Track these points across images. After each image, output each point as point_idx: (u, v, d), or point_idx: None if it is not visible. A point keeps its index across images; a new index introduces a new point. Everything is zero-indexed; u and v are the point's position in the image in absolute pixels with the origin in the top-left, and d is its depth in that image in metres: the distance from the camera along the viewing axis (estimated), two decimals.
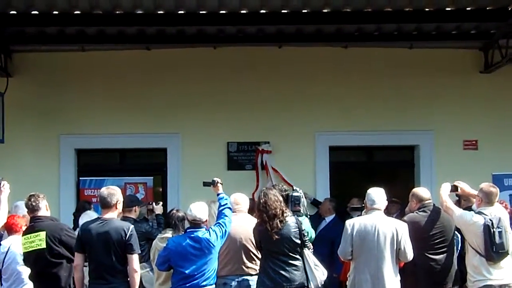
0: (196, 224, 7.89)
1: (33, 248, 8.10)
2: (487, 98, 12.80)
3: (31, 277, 8.25)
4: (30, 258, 8.16)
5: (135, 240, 7.61)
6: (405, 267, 8.11)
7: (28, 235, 8.18)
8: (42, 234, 8.09)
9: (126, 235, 7.52)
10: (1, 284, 8.62)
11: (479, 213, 8.25)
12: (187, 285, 7.76)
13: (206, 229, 7.91)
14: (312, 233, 8.47)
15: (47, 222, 8.25)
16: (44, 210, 8.33)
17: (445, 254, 8.36)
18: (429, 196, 8.62)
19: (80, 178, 12.80)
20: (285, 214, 7.87)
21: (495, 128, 12.74)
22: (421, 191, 8.75)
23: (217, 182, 8.42)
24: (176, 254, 7.83)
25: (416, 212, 8.48)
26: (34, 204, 8.28)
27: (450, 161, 12.64)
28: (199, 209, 7.92)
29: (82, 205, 11.14)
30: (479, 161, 12.61)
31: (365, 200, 8.23)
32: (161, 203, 10.70)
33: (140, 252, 7.79)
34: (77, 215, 10.79)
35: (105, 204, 7.72)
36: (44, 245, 8.06)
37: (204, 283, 7.81)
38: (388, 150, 13.47)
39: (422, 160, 12.97)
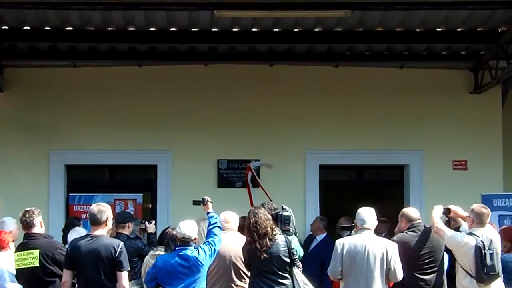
0: (185, 242, 7.85)
1: (26, 266, 8.03)
2: (477, 118, 12.85)
3: None
4: (23, 275, 8.10)
5: (125, 257, 7.57)
6: (396, 286, 8.10)
7: (21, 252, 8.11)
8: (36, 252, 8.02)
9: (116, 252, 7.47)
10: None
11: (471, 234, 8.21)
12: None
13: (195, 248, 7.87)
14: (300, 252, 8.46)
15: (41, 240, 8.16)
16: (39, 227, 8.24)
17: (434, 274, 8.33)
18: (418, 216, 8.62)
19: (70, 194, 12.79)
20: (274, 232, 7.88)
21: (485, 149, 12.79)
22: (410, 211, 8.74)
23: (207, 200, 8.38)
24: (164, 272, 7.77)
25: (406, 232, 8.47)
26: (28, 220, 8.19)
27: (439, 181, 12.68)
28: (188, 227, 7.89)
29: (71, 221, 11.09)
30: (468, 181, 12.65)
31: (355, 220, 8.22)
32: (153, 222, 10.66)
33: (129, 269, 7.74)
34: (66, 231, 10.75)
35: (95, 221, 7.67)
36: (37, 264, 7.99)
37: None
38: (378, 169, 13.52)
39: (412, 179, 13.01)
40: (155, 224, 10.73)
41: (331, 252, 8.22)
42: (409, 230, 8.47)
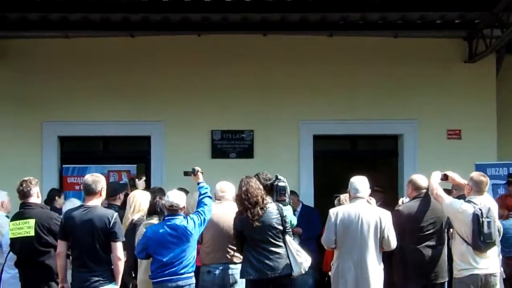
0: (173, 210, 7.85)
1: (21, 235, 8.05)
2: (471, 87, 12.82)
3: (16, 264, 8.20)
4: (17, 244, 8.12)
5: (119, 227, 7.58)
6: (395, 259, 8.12)
7: (17, 221, 8.13)
8: (31, 222, 8.04)
9: (110, 222, 7.48)
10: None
11: (469, 201, 8.19)
12: (165, 272, 7.73)
13: (184, 217, 7.88)
14: (294, 221, 8.47)
15: (37, 210, 8.19)
16: (35, 197, 8.27)
17: (436, 245, 8.37)
18: (426, 185, 8.56)
19: (63, 166, 12.77)
20: (265, 202, 7.90)
21: (479, 118, 12.76)
22: (419, 179, 8.65)
23: (197, 171, 8.36)
24: (153, 242, 7.78)
25: (413, 201, 8.49)
26: (25, 190, 8.21)
27: (434, 151, 12.66)
28: (176, 196, 7.89)
29: (51, 193, 10.97)
30: (462, 150, 12.64)
31: (348, 189, 8.22)
32: (144, 178, 10.54)
33: (124, 239, 7.74)
34: (47, 203, 10.62)
35: (89, 191, 7.66)
36: (32, 233, 8.02)
37: (182, 271, 7.77)
38: (372, 139, 13.50)
39: (406, 149, 12.99)
40: (145, 180, 10.60)
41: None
42: (416, 198, 8.46)
